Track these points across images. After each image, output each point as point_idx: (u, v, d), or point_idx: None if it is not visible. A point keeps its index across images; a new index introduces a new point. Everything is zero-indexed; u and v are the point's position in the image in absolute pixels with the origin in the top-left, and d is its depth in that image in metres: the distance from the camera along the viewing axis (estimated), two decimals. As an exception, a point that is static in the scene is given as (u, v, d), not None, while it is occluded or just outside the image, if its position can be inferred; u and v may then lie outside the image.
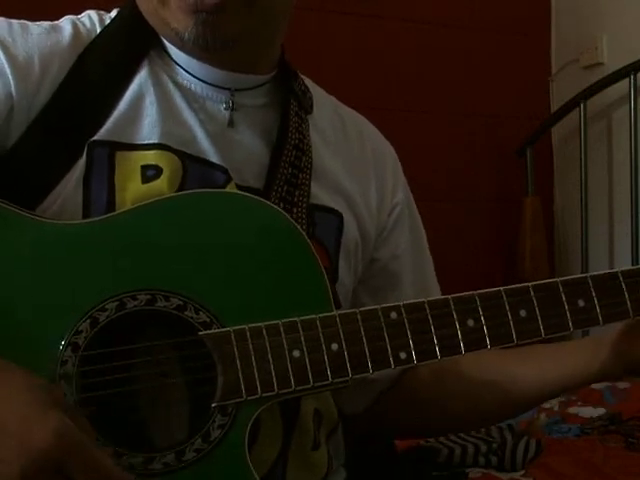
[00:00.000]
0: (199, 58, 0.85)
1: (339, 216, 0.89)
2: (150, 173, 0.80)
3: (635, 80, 2.46)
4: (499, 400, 0.93)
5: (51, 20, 0.87)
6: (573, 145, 2.77)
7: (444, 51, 2.76)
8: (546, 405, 1.84)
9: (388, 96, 2.64)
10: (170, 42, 0.86)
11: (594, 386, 1.94)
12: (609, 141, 2.72)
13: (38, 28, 0.84)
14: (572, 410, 1.83)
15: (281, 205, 0.83)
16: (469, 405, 0.95)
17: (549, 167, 2.96)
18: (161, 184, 0.79)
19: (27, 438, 0.59)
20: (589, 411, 1.82)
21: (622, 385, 1.96)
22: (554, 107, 2.89)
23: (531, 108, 2.86)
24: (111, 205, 0.78)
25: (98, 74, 0.83)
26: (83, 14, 0.89)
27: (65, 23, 0.86)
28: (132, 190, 0.79)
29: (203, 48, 0.82)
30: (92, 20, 0.87)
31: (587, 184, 2.65)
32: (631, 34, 2.61)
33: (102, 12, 0.89)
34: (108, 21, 0.88)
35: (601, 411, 1.81)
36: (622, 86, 2.51)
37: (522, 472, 1.45)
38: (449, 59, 2.76)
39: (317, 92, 0.96)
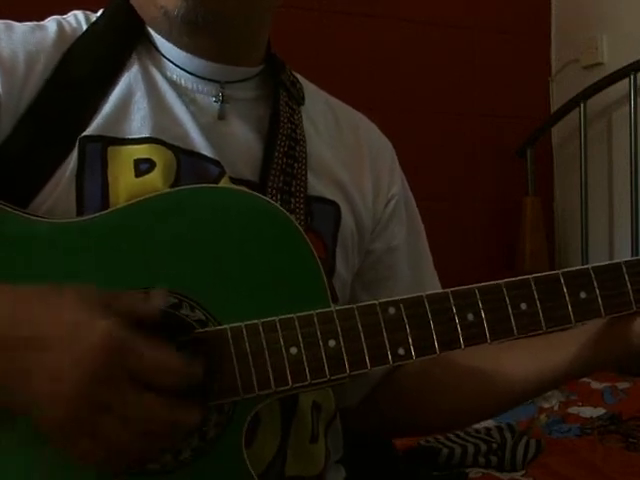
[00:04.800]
0: (187, 49, 0.85)
1: (336, 207, 0.89)
2: (143, 167, 0.79)
3: (635, 80, 2.46)
4: (484, 389, 0.92)
5: (38, 20, 0.87)
6: (573, 145, 2.77)
7: (444, 51, 2.76)
8: (546, 405, 1.84)
9: (388, 96, 2.64)
10: (158, 32, 0.86)
11: (594, 386, 1.94)
12: (609, 141, 2.72)
13: (23, 27, 0.84)
14: (572, 410, 1.83)
15: (279, 196, 0.82)
16: (455, 391, 0.94)
17: (549, 167, 2.96)
18: (155, 177, 0.79)
19: (78, 350, 0.59)
20: (589, 411, 1.81)
21: (622, 385, 1.96)
22: (554, 107, 2.89)
23: (531, 108, 2.87)
24: (105, 200, 0.77)
25: (86, 70, 0.82)
26: (69, 14, 0.88)
27: (50, 22, 0.86)
28: (125, 184, 0.78)
29: (193, 26, 0.81)
30: (78, 19, 0.87)
31: (587, 184, 2.65)
32: (631, 34, 2.62)
33: (88, 12, 0.89)
34: (94, 19, 0.87)
35: (601, 411, 1.80)
36: (622, 86, 2.51)
37: (522, 472, 1.45)
38: (449, 59, 2.77)
39: (308, 87, 0.96)
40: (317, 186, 0.88)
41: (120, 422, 0.62)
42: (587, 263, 2.63)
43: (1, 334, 0.61)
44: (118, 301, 0.65)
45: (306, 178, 0.86)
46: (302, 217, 0.83)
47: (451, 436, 1.55)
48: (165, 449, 0.68)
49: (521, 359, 0.89)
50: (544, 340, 0.86)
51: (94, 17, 0.88)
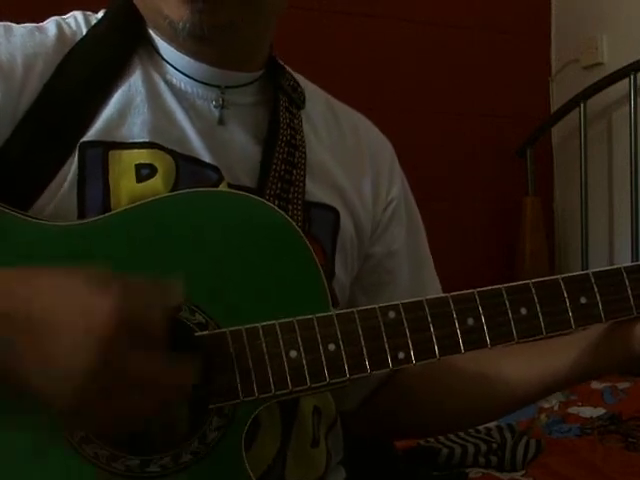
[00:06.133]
0: (189, 54, 0.85)
1: (335, 213, 0.89)
2: (144, 172, 0.79)
3: (635, 80, 2.46)
4: (486, 392, 0.92)
5: (37, 22, 0.86)
6: (573, 145, 2.77)
7: (444, 51, 2.76)
8: (546, 405, 1.84)
9: (388, 96, 2.64)
10: (161, 36, 0.85)
11: (594, 386, 1.94)
12: (609, 141, 2.72)
13: (21, 29, 0.83)
14: (572, 410, 1.83)
15: (276, 202, 0.82)
16: (456, 394, 0.94)
17: (549, 167, 2.96)
18: (156, 183, 0.79)
19: (89, 323, 0.59)
20: (589, 411, 1.81)
21: (622, 385, 1.96)
22: (554, 107, 2.89)
23: (531, 108, 2.87)
24: (106, 205, 0.77)
25: (86, 74, 0.82)
26: (69, 15, 0.88)
27: (50, 24, 0.85)
28: (127, 189, 0.78)
29: (198, 38, 0.81)
30: (77, 21, 0.86)
31: (587, 184, 2.66)
32: (631, 34, 2.62)
33: (88, 13, 0.88)
34: (94, 21, 0.87)
35: (601, 411, 1.80)
36: (622, 86, 2.51)
37: (522, 472, 1.45)
38: (449, 59, 2.77)
39: (309, 88, 0.96)
40: (316, 192, 0.88)
41: (129, 387, 0.62)
42: (587, 263, 2.64)
43: (16, 317, 0.60)
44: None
45: (304, 185, 0.86)
46: (300, 224, 0.83)
47: (451, 436, 1.55)
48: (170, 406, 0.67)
49: (522, 364, 0.89)
50: (545, 345, 0.86)
51: (94, 18, 0.88)
